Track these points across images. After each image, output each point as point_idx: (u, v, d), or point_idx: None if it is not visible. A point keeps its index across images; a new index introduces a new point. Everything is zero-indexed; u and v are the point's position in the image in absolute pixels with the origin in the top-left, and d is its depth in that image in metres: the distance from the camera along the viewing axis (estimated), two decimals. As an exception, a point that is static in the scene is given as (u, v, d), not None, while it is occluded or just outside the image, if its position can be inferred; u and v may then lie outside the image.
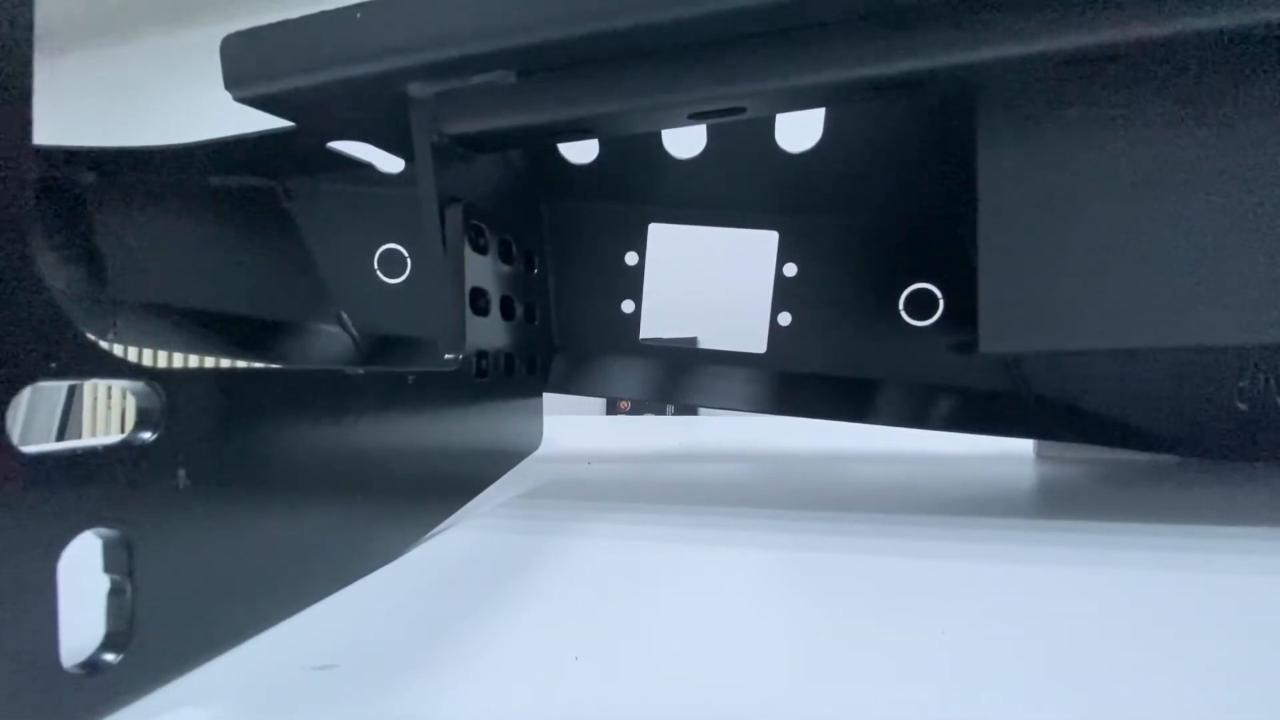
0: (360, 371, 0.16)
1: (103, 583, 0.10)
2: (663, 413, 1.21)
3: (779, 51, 0.19)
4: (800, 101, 0.21)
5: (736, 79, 0.19)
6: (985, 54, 0.18)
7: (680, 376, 0.32)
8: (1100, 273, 0.19)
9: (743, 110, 0.21)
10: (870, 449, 0.37)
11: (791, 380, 0.31)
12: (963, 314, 0.28)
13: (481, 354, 0.23)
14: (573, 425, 0.45)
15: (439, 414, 0.20)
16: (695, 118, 0.22)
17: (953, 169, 0.24)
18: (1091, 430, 0.29)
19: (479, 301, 0.23)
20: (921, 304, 0.29)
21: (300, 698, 0.10)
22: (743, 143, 0.28)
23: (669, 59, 0.19)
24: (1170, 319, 0.19)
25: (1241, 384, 0.28)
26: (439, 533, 0.20)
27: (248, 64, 0.21)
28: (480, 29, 0.19)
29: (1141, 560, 0.16)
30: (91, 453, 0.10)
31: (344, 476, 0.15)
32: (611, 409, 1.33)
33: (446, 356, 0.21)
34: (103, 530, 0.10)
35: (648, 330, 0.32)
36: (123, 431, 0.11)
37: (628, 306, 0.32)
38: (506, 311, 0.25)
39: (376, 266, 0.33)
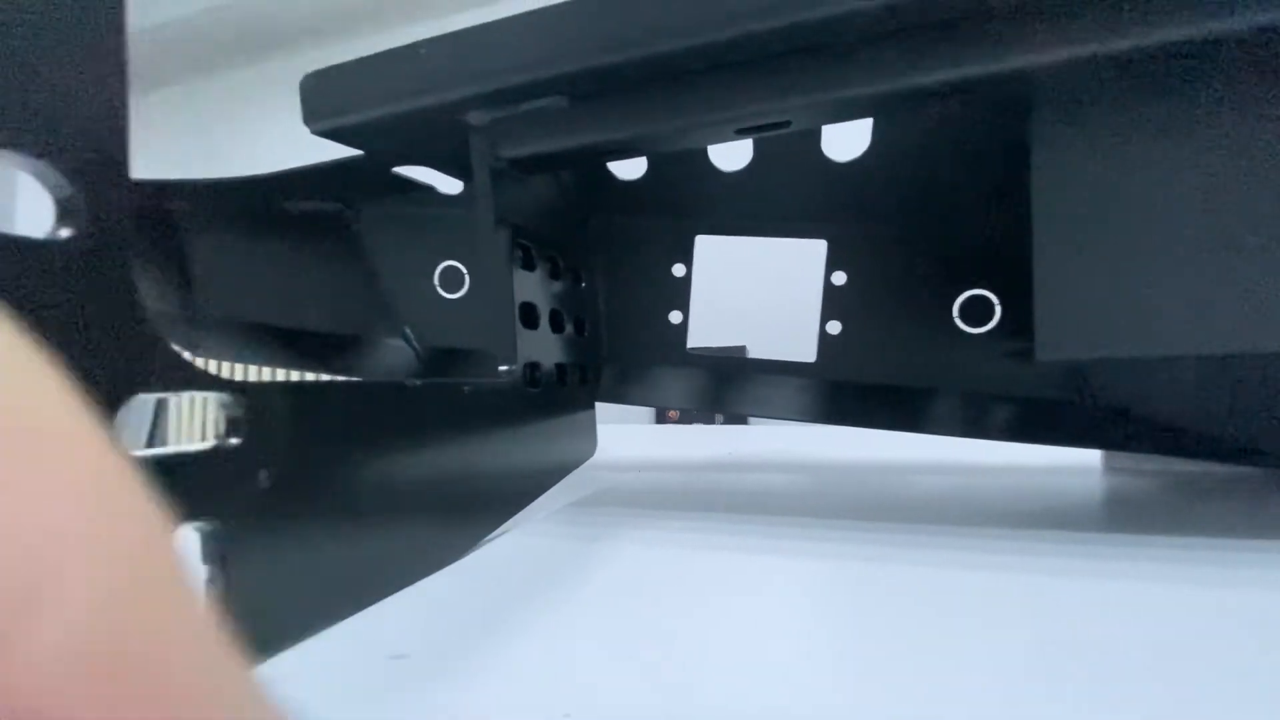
0: (418, 383, 0.17)
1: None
2: (712, 421, 1.21)
3: (825, 64, 0.19)
4: (848, 113, 0.21)
5: (782, 94, 0.20)
6: (1041, 59, 0.18)
7: (729, 386, 0.32)
8: (1161, 277, 0.18)
9: (788, 124, 0.21)
10: (927, 460, 0.37)
11: (842, 389, 0.31)
12: (1020, 320, 0.28)
13: (533, 366, 0.24)
14: (622, 434, 0.46)
15: (494, 423, 0.21)
16: (742, 133, 0.22)
17: (1007, 172, 0.24)
18: (1163, 440, 0.28)
19: (529, 316, 0.24)
20: (976, 310, 0.29)
21: (381, 683, 0.11)
22: (789, 154, 0.28)
23: (715, 78, 0.20)
24: (1236, 325, 0.18)
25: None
26: (496, 537, 0.20)
27: (324, 100, 0.23)
28: (533, 59, 0.20)
29: (1216, 577, 0.16)
30: (184, 456, 0.11)
31: (407, 482, 0.16)
32: (660, 418, 1.33)
33: (500, 369, 0.22)
34: (200, 525, 0.11)
35: (696, 340, 0.32)
36: (208, 438, 0.12)
37: (675, 317, 0.32)
38: (556, 325, 0.26)
39: (437, 283, 0.34)
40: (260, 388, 0.12)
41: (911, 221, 0.29)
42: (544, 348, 0.25)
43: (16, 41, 0.09)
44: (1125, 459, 0.31)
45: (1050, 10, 0.17)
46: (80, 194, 0.10)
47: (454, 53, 0.21)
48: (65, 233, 0.10)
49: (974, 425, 0.29)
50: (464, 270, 0.34)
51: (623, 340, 0.32)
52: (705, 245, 0.31)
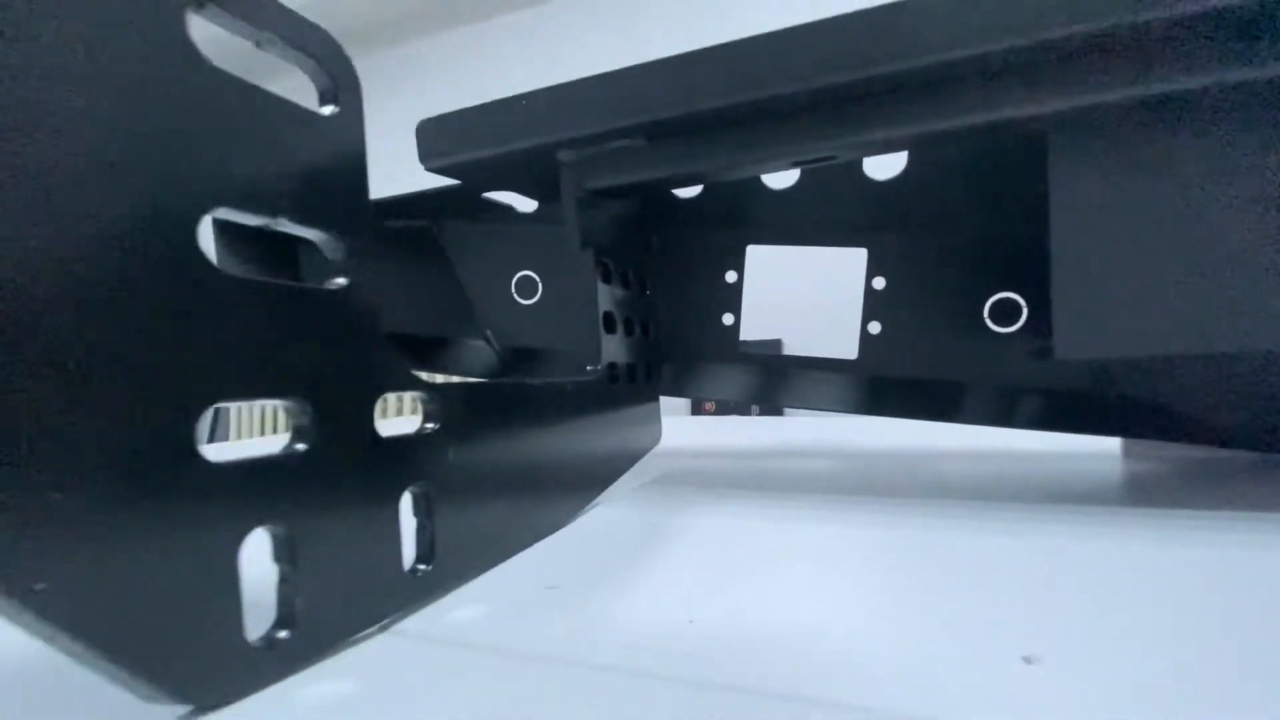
0: (536, 382, 0.21)
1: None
2: (748, 413, 1.24)
3: (868, 111, 0.22)
4: (888, 149, 0.25)
5: (829, 137, 0.23)
6: (1054, 106, 0.21)
7: (776, 380, 0.36)
8: (1164, 284, 0.21)
9: (835, 157, 0.25)
10: (954, 446, 0.40)
11: (882, 384, 0.34)
12: (1044, 320, 0.31)
13: (612, 365, 0.28)
14: (665, 425, 0.50)
15: (587, 414, 0.25)
16: (794, 165, 0.26)
17: (1028, 188, 0.27)
18: (1176, 428, 0.31)
19: (608, 323, 0.28)
20: (1005, 312, 0.32)
21: (545, 603, 0.15)
22: (832, 173, 0.31)
23: (772, 122, 0.24)
24: (1237, 327, 0.21)
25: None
26: (590, 510, 0.25)
27: (438, 142, 0.27)
28: (617, 109, 0.24)
29: (1224, 541, 0.19)
30: (405, 438, 0.15)
31: (534, 459, 0.21)
32: (695, 409, 1.37)
33: (587, 368, 0.27)
34: (414, 488, 0.15)
35: (745, 337, 0.36)
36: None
37: (728, 319, 0.36)
38: (628, 329, 0.30)
39: (514, 290, 0.39)
40: (446, 388, 0.17)
41: (944, 232, 0.32)
42: (619, 350, 0.29)
43: (298, 143, 0.13)
44: (1142, 445, 0.33)
45: (1061, 68, 0.20)
46: (345, 252, 0.14)
47: (550, 103, 0.25)
48: (339, 282, 0.14)
49: (1003, 415, 0.32)
50: (537, 279, 0.38)
51: (680, 339, 0.36)
52: (756, 253, 0.35)
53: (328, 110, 0.14)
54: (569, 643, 0.13)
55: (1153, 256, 0.21)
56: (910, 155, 0.30)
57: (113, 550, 0.09)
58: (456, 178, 0.28)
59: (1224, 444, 0.31)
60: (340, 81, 0.14)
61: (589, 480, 0.25)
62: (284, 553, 0.12)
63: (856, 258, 0.34)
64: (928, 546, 0.19)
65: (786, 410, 1.23)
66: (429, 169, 0.28)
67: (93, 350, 0.09)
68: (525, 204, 0.37)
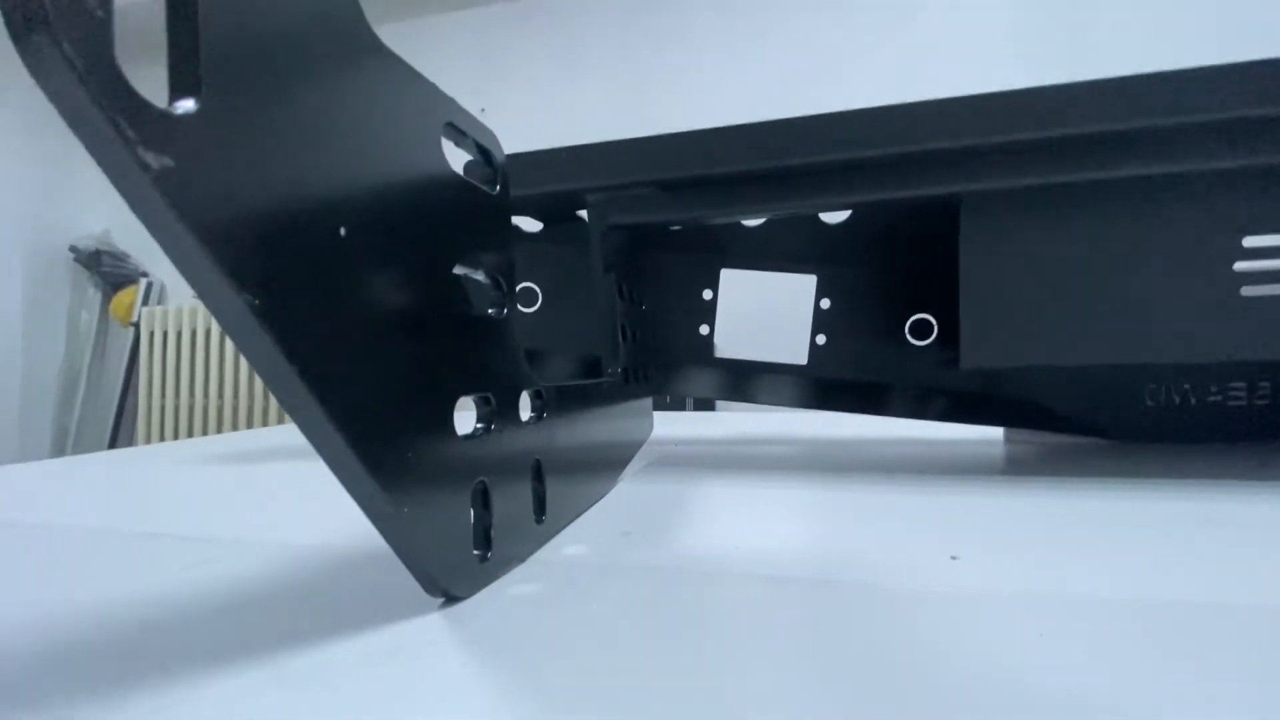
0: (590, 383, 0.27)
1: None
2: (683, 408, 1.33)
3: (824, 183, 0.30)
4: (840, 209, 0.33)
5: (793, 199, 0.30)
6: (964, 188, 0.29)
7: (743, 380, 0.43)
8: (1043, 315, 0.30)
9: (797, 211, 0.32)
10: (875, 435, 0.49)
11: (825, 384, 0.42)
12: (952, 336, 0.40)
13: (624, 369, 0.34)
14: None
15: (612, 408, 0.31)
16: (769, 216, 0.33)
17: (942, 232, 0.36)
18: (1043, 419, 0.40)
19: (622, 333, 0.35)
20: (921, 329, 0.40)
21: (625, 543, 0.21)
22: (793, 218, 0.39)
23: (754, 185, 0.31)
24: (1089, 346, 0.30)
25: (1150, 387, 0.39)
26: (617, 487, 0.31)
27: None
28: (639, 168, 0.30)
29: (1072, 492, 0.28)
30: (529, 422, 0.21)
31: (589, 442, 0.26)
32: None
33: (607, 371, 0.33)
34: (533, 458, 0.21)
35: (719, 345, 0.43)
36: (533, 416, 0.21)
37: (704, 329, 0.43)
38: (630, 337, 0.37)
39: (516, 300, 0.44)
40: (549, 389, 0.22)
41: (877, 265, 0.41)
42: (628, 356, 0.35)
43: (487, 216, 0.19)
44: (1019, 434, 0.43)
45: (968, 165, 0.28)
46: (504, 292, 0.20)
47: (586, 158, 0.31)
48: (495, 312, 0.20)
49: (918, 410, 0.41)
50: (537, 290, 0.44)
51: (664, 346, 0.43)
52: (728, 276, 0.42)
53: (495, 190, 0.19)
54: (659, 560, 0.19)
55: (1033, 293, 0.30)
56: (855, 209, 0.38)
57: (412, 486, 0.15)
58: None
59: (1083, 433, 0.42)
60: (499, 168, 0.20)
61: (617, 460, 0.31)
62: (480, 498, 0.17)
63: (808, 283, 0.42)
64: (873, 503, 0.27)
65: (718, 405, 1.34)
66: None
67: (404, 358, 0.15)
68: (532, 225, 0.42)
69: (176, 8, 0.09)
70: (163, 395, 1.65)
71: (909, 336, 0.40)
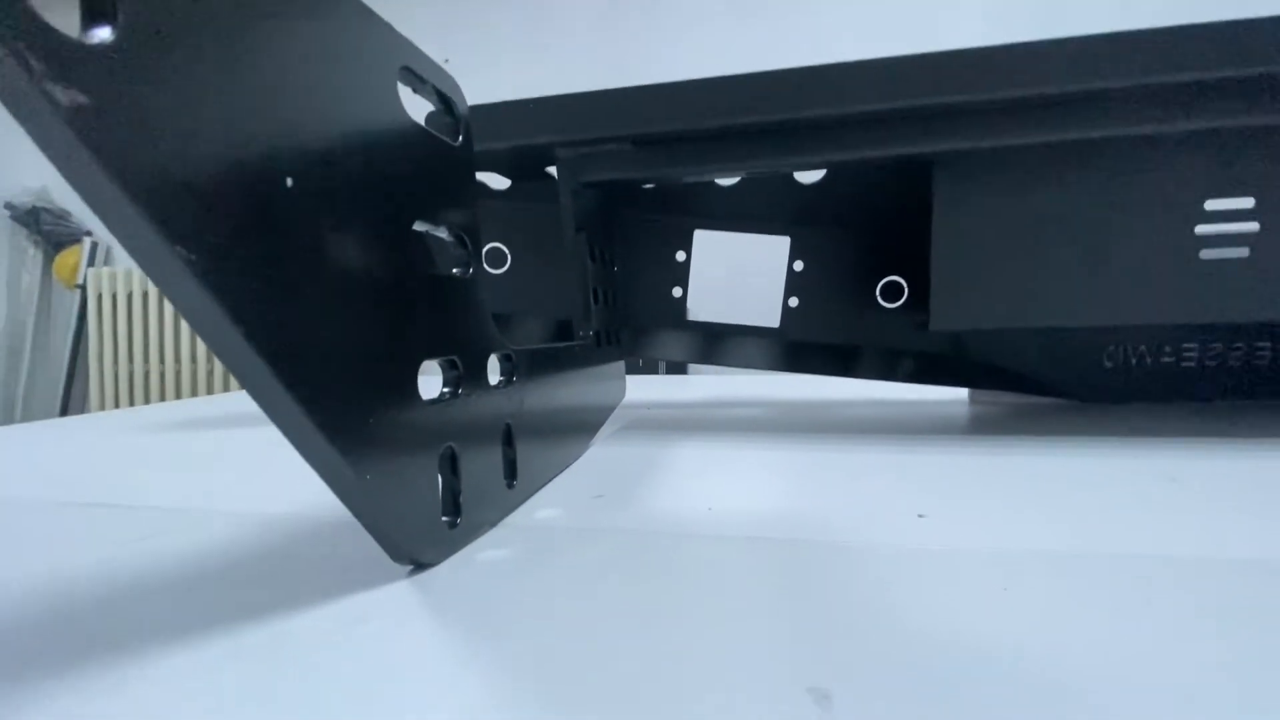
0: (562, 346, 0.27)
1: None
2: (655, 371, 1.33)
3: (800, 141, 0.29)
4: (814, 167, 0.32)
5: (769, 157, 0.30)
6: (936, 148, 0.29)
7: (716, 343, 0.43)
8: (1012, 278, 0.30)
9: (772, 170, 0.31)
10: (843, 397, 0.49)
11: (797, 347, 0.42)
12: (921, 299, 0.40)
13: (596, 332, 0.34)
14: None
15: (584, 371, 0.31)
16: (746, 174, 0.32)
17: (915, 195, 0.35)
18: (1007, 380, 0.41)
19: (594, 295, 0.34)
20: (892, 291, 0.41)
21: (596, 506, 0.21)
22: (768, 177, 0.38)
23: (731, 142, 0.30)
24: (1055, 308, 0.30)
25: (1109, 349, 0.40)
26: (589, 449, 0.31)
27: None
28: (613, 120, 0.29)
29: (1036, 456, 0.28)
30: (498, 385, 0.20)
31: (564, 404, 0.26)
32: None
33: (579, 334, 0.32)
34: (505, 421, 0.21)
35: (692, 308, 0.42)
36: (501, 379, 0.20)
37: (677, 292, 0.42)
38: (603, 299, 0.36)
39: (484, 261, 0.42)
40: (521, 351, 0.22)
41: (851, 226, 0.40)
42: (600, 318, 0.34)
43: (448, 170, 0.18)
44: (982, 395, 0.44)
45: (941, 125, 0.28)
46: (469, 251, 0.19)
47: (557, 110, 0.29)
48: (460, 272, 0.19)
49: (887, 371, 0.41)
50: (506, 251, 0.43)
51: (637, 309, 0.42)
52: (702, 237, 0.41)
53: (458, 141, 0.18)
54: (631, 523, 0.19)
55: (1002, 255, 0.30)
56: (829, 169, 0.37)
57: (374, 453, 0.14)
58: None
59: (1045, 393, 0.43)
60: (461, 118, 0.19)
61: (590, 424, 0.31)
62: (448, 464, 0.17)
63: (781, 245, 0.41)
64: (842, 463, 0.27)
65: (690, 369, 1.34)
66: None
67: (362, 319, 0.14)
68: (500, 183, 0.40)
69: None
70: (115, 361, 1.58)
71: (880, 299, 0.40)
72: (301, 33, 0.12)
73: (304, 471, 0.13)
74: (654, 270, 0.42)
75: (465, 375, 0.18)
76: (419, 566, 0.16)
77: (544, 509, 0.21)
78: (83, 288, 1.65)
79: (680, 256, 0.42)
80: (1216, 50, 0.26)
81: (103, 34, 0.08)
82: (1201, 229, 0.29)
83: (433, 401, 0.16)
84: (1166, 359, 0.40)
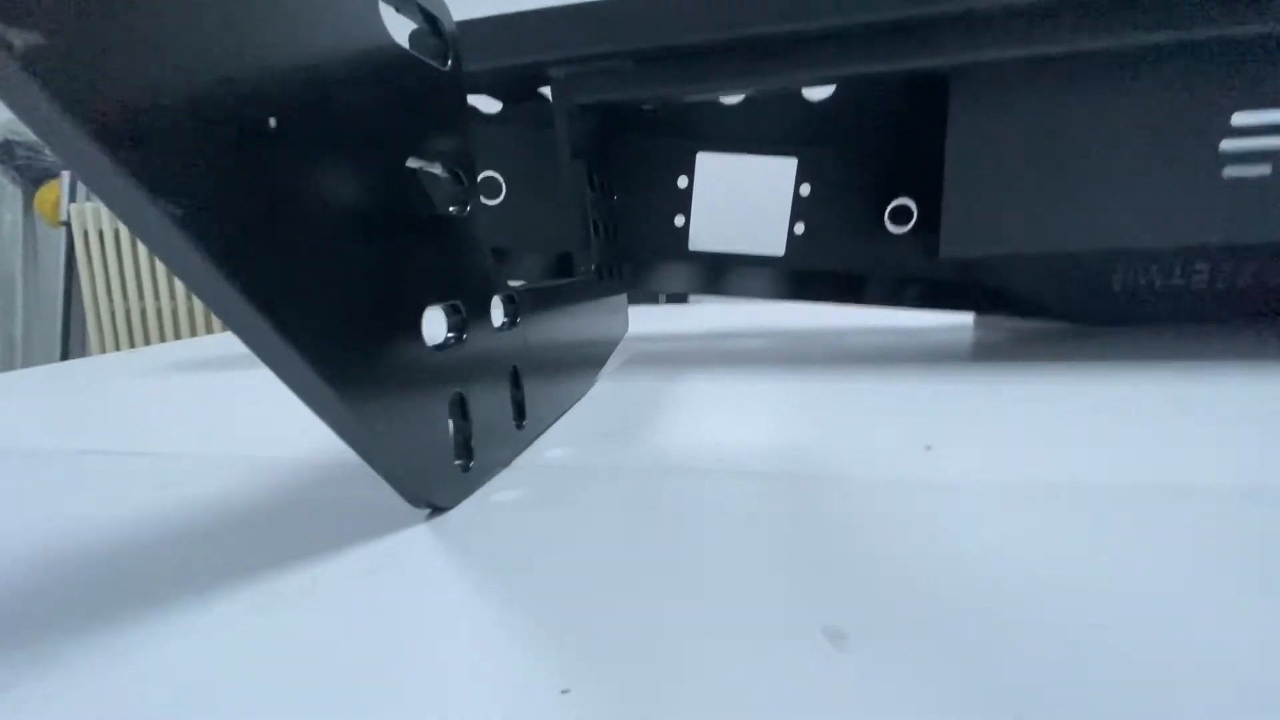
0: (565, 281, 0.26)
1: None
2: (655, 301, 1.33)
3: (813, 53, 0.27)
4: (825, 83, 0.30)
5: (779, 72, 0.28)
6: (953, 60, 0.27)
7: (719, 274, 0.42)
8: (1024, 202, 0.29)
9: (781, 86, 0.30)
10: (847, 325, 0.49)
11: (803, 275, 0.41)
12: (930, 222, 0.39)
13: (597, 266, 0.33)
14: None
15: (588, 306, 0.30)
16: (753, 91, 0.30)
17: (928, 113, 0.34)
18: (1013, 305, 0.41)
19: (594, 228, 0.33)
20: (901, 215, 0.39)
21: (605, 444, 0.21)
22: (774, 95, 0.36)
23: (737, 56, 0.28)
24: (1072, 232, 0.29)
25: (1117, 272, 0.40)
26: (596, 385, 0.30)
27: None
28: (611, 35, 0.27)
29: (1038, 376, 0.28)
30: (501, 327, 0.20)
31: (566, 342, 0.26)
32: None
33: (580, 269, 0.31)
34: (511, 365, 0.20)
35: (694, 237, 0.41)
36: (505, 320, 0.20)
37: (679, 220, 0.41)
38: (603, 232, 0.35)
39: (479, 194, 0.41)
40: (523, 290, 0.21)
41: (859, 146, 0.39)
42: (601, 251, 0.34)
43: (438, 99, 0.17)
44: (988, 320, 0.44)
45: (957, 34, 0.26)
46: (465, 186, 0.18)
47: (549, 24, 0.27)
48: (456, 210, 0.18)
49: (894, 298, 0.41)
50: (501, 180, 0.41)
51: (638, 239, 0.41)
52: (704, 160, 0.40)
53: (447, 65, 0.17)
54: (641, 460, 0.19)
55: (1018, 179, 0.29)
56: (840, 84, 0.35)
57: (383, 402, 0.14)
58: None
59: (1052, 318, 0.42)
60: (449, 38, 0.17)
61: (595, 359, 0.31)
62: (458, 409, 0.17)
63: (788, 167, 0.40)
64: (848, 394, 0.27)
65: (690, 298, 1.33)
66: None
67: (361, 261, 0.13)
68: (491, 106, 0.38)
69: None
70: (110, 299, 1.56)
71: (888, 223, 0.39)
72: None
73: (311, 414, 0.13)
74: (655, 198, 0.40)
75: (469, 319, 0.17)
76: (435, 510, 0.16)
77: (554, 448, 0.21)
78: (67, 224, 1.61)
79: (682, 182, 0.40)
80: None
81: None
82: (1227, 145, 0.28)
83: (439, 347, 0.16)
84: (1177, 281, 0.40)
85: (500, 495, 0.17)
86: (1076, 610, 0.11)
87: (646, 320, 0.56)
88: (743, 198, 0.40)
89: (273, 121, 0.11)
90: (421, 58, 0.16)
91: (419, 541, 0.14)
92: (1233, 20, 0.25)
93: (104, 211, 1.57)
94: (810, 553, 0.13)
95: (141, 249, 1.55)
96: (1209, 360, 0.31)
